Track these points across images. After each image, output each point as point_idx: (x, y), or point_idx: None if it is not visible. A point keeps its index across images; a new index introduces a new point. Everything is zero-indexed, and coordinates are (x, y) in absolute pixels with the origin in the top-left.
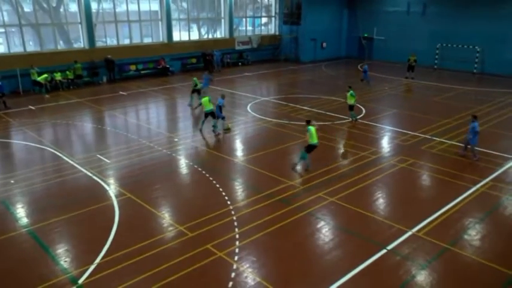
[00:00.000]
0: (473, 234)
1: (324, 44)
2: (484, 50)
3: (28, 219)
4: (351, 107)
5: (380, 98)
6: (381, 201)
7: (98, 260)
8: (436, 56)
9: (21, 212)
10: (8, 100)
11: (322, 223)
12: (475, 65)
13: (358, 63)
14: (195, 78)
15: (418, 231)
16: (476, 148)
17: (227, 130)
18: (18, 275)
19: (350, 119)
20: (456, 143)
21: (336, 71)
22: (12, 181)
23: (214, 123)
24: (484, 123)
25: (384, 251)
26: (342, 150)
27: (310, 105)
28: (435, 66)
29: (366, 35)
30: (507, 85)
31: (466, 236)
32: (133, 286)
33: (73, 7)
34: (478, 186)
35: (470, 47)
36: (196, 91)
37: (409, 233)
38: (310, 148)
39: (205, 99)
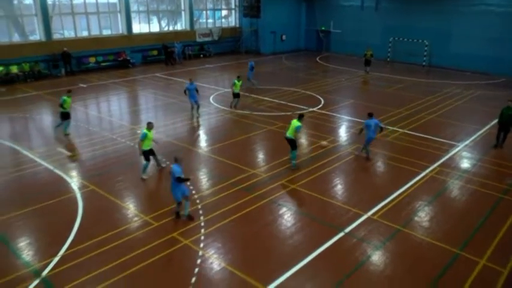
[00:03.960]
0: (423, 215)
1: (284, 37)
2: (432, 43)
3: None
4: (236, 95)
5: (337, 89)
6: (339, 187)
7: (62, 252)
8: (389, 50)
9: None
10: None
11: (284, 209)
12: (424, 58)
13: (316, 56)
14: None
15: (373, 214)
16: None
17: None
18: None
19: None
20: (408, 132)
21: (295, 63)
22: None
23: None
24: (432, 112)
25: (342, 234)
26: (302, 140)
27: (271, 96)
28: (388, 59)
29: (323, 28)
30: (452, 77)
31: (416, 218)
32: (99, 277)
33: None
34: (427, 171)
35: (420, 40)
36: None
37: (365, 217)
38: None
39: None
